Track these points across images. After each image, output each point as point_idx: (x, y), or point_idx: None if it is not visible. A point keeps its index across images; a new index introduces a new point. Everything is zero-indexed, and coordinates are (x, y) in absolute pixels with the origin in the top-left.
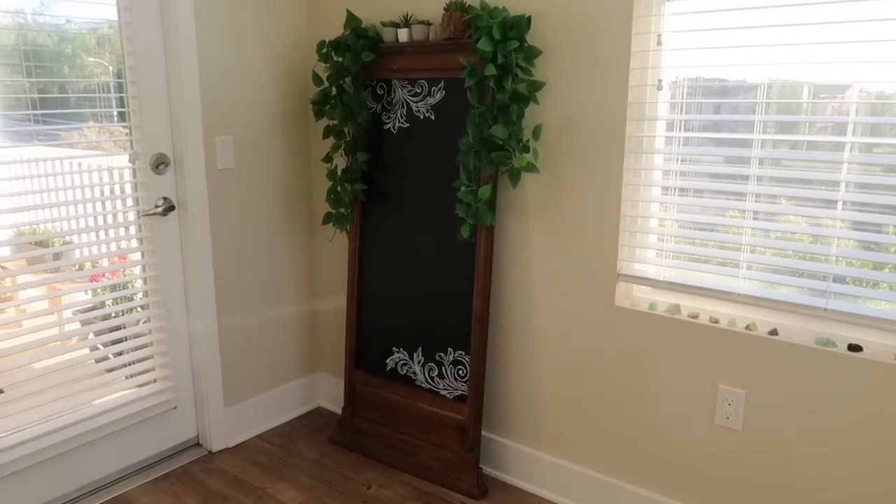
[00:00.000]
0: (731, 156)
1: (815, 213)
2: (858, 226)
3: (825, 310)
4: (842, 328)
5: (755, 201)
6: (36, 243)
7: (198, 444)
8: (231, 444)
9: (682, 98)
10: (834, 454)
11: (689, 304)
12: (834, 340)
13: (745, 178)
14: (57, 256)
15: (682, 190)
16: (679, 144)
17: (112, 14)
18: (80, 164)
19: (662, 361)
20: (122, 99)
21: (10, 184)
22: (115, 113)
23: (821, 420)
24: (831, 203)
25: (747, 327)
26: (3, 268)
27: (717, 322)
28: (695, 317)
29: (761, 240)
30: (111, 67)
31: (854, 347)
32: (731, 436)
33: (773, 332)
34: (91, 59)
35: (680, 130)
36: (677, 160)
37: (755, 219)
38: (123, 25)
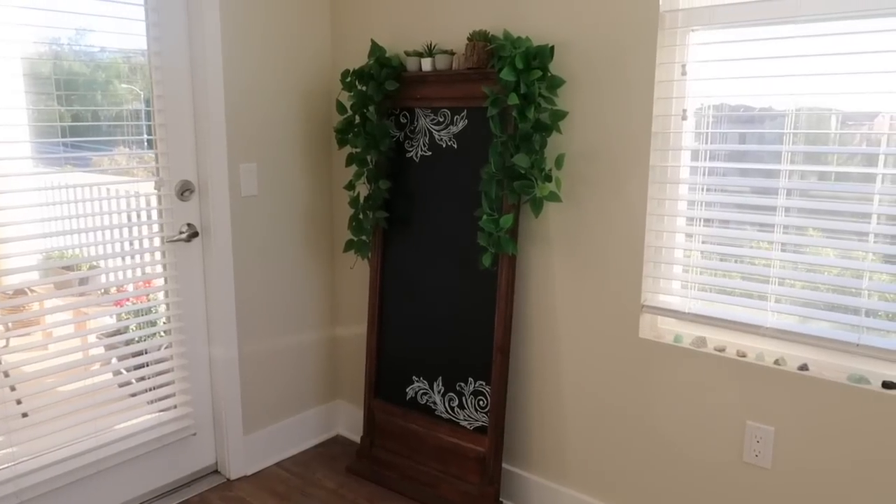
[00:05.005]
0: (758, 186)
1: (846, 246)
2: (892, 259)
3: (857, 345)
4: (876, 364)
5: (783, 232)
6: (64, 268)
7: (216, 472)
8: (249, 472)
9: (708, 128)
10: (868, 495)
11: (715, 336)
12: (867, 377)
13: (773, 208)
14: (83, 281)
15: (707, 220)
16: (704, 174)
17: (143, 44)
18: (107, 190)
19: (688, 395)
20: (150, 126)
21: (40, 209)
22: (145, 140)
23: (854, 459)
24: (863, 235)
25: (776, 362)
26: (31, 291)
27: (744, 356)
28: (721, 350)
29: (790, 272)
30: (142, 94)
31: (889, 385)
32: (760, 473)
33: (804, 368)
34: (123, 85)
35: (705, 160)
36: (702, 190)
37: (783, 250)
38: (152, 55)
